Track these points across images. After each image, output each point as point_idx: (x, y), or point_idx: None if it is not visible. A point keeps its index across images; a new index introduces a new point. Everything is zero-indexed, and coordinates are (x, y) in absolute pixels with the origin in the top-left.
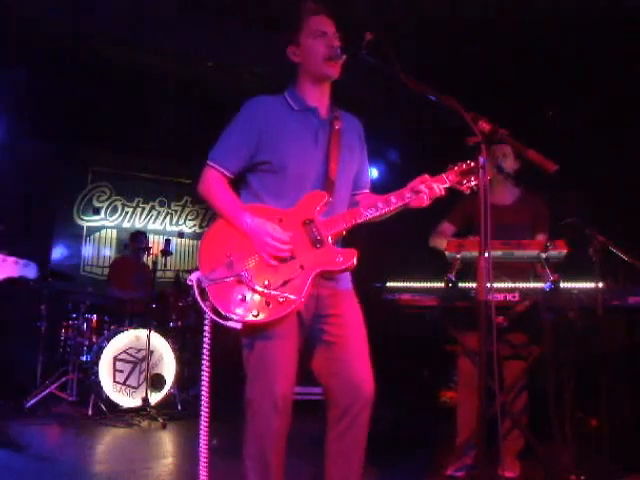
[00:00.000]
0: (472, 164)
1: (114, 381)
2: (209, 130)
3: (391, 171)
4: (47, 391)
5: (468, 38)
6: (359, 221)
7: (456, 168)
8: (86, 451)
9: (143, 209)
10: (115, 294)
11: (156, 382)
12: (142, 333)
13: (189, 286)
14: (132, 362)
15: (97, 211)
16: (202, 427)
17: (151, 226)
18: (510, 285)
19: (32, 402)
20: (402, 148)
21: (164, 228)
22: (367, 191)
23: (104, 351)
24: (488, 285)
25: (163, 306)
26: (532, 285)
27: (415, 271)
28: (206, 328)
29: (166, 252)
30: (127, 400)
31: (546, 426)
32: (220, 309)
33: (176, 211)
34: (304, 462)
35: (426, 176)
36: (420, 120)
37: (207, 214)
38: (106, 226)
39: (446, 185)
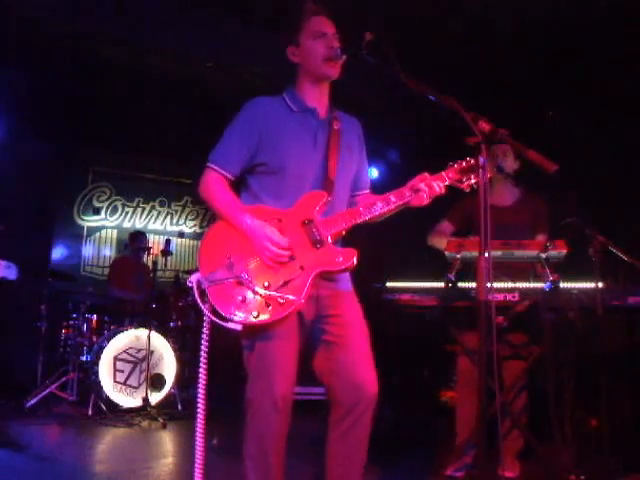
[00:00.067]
0: (472, 161)
1: (114, 381)
2: (209, 130)
3: (391, 171)
4: (47, 391)
5: (468, 38)
6: (359, 221)
7: (456, 166)
8: (86, 451)
9: (143, 209)
10: (115, 294)
11: (156, 382)
12: (142, 333)
13: (189, 287)
14: (132, 362)
15: (97, 211)
16: (198, 427)
17: (151, 226)
18: (510, 285)
19: (32, 402)
20: (402, 148)
21: (164, 228)
22: (367, 191)
23: (104, 351)
24: (488, 285)
25: (163, 306)
26: (532, 285)
27: (415, 271)
28: (205, 329)
29: (166, 252)
30: (127, 400)
31: (546, 426)
32: (220, 310)
33: (176, 211)
34: (304, 462)
35: (426, 174)
36: (420, 120)
37: (207, 214)
38: (106, 226)
39: (446, 183)
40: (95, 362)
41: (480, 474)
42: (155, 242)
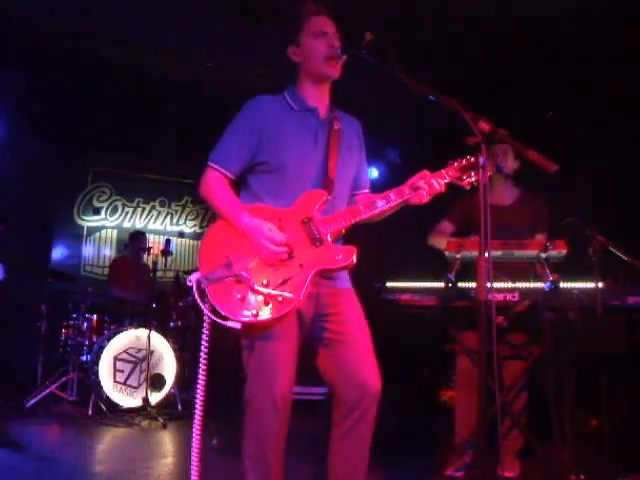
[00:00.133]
0: (472, 159)
1: (114, 381)
2: (209, 130)
3: (391, 171)
4: (47, 391)
5: (468, 38)
6: (358, 219)
7: (456, 164)
8: (86, 451)
9: (143, 209)
10: (116, 294)
11: (156, 382)
12: (142, 333)
13: (189, 287)
14: (132, 362)
15: (97, 211)
16: (195, 427)
17: (151, 226)
18: (510, 285)
19: (32, 402)
20: (402, 148)
21: (164, 228)
22: (367, 191)
23: (104, 351)
24: (488, 285)
25: (163, 306)
26: (532, 285)
27: (415, 271)
28: (205, 329)
29: (166, 252)
30: (127, 400)
31: (546, 426)
32: (219, 309)
33: (176, 211)
34: (304, 462)
35: (425, 172)
36: (420, 120)
37: (207, 214)
38: (106, 226)
39: (446, 181)
40: (95, 362)
41: (480, 474)
42: (155, 242)
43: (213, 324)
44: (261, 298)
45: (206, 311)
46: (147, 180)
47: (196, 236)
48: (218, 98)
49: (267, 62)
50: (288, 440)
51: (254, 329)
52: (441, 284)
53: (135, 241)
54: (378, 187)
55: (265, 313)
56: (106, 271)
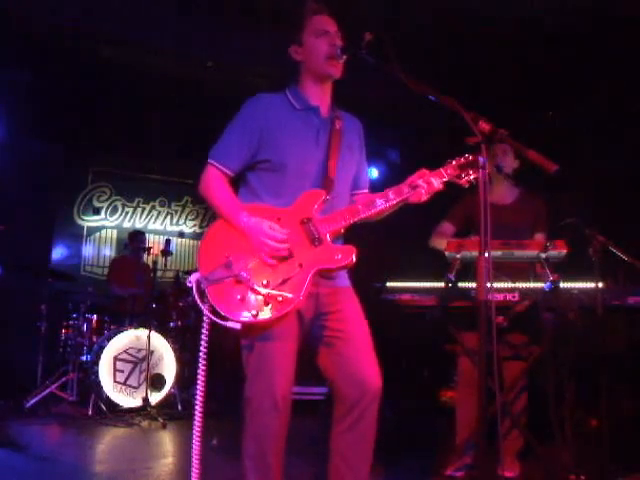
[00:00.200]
0: (470, 158)
1: (114, 381)
2: (209, 130)
3: (391, 171)
4: (47, 391)
5: (468, 38)
6: (357, 218)
7: (454, 162)
8: (86, 451)
9: (143, 209)
10: (115, 291)
11: (156, 382)
12: (142, 333)
13: (189, 287)
14: (132, 362)
15: (97, 211)
16: (196, 426)
17: (151, 226)
18: (510, 285)
19: (32, 402)
20: (402, 148)
21: (164, 228)
22: (366, 191)
23: (104, 351)
24: (488, 285)
25: (163, 306)
26: (532, 285)
27: (415, 271)
28: (204, 329)
29: (166, 252)
30: (127, 400)
31: (546, 426)
32: (219, 310)
33: (176, 211)
34: (304, 462)
35: (424, 171)
36: (420, 120)
37: (207, 214)
38: (106, 226)
39: (445, 179)
40: (95, 362)
41: (480, 474)
42: (155, 242)
43: (213, 324)
44: (261, 298)
45: (206, 311)
46: (147, 180)
47: (196, 236)
48: (218, 98)
49: (267, 62)
50: (288, 440)
51: (254, 329)
52: (441, 284)
53: (135, 241)
54: (378, 187)
55: (265, 313)
56: (106, 271)
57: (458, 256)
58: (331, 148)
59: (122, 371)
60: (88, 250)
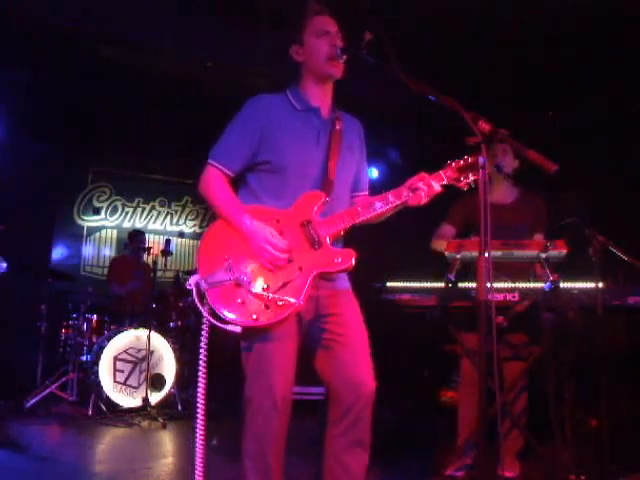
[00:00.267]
0: (470, 160)
1: (114, 381)
2: (209, 130)
3: (391, 171)
4: (47, 391)
5: (468, 38)
6: (357, 221)
7: (454, 165)
8: (86, 451)
9: (143, 209)
10: (115, 290)
11: (156, 382)
12: (142, 333)
13: (189, 290)
14: (132, 362)
15: (97, 211)
16: (198, 428)
17: (151, 226)
18: (510, 285)
19: (32, 402)
20: (402, 148)
21: (164, 228)
22: (366, 193)
23: (104, 351)
24: (488, 285)
25: (163, 306)
26: (532, 285)
27: (415, 271)
28: (204, 331)
29: (166, 252)
30: (127, 400)
31: (546, 426)
32: (219, 313)
33: (176, 211)
34: (304, 462)
35: (424, 174)
36: (420, 120)
37: (207, 214)
38: (106, 226)
39: (444, 182)
40: (95, 362)
41: (480, 474)
42: (155, 242)
43: (212, 327)
44: (261, 302)
45: (205, 314)
46: (147, 180)
47: (196, 236)
48: (218, 98)
49: (267, 62)
50: (288, 440)
51: (254, 332)
52: (441, 284)
53: (135, 240)
54: (378, 187)
55: (265, 317)
56: (106, 271)
57: (458, 256)
58: (331, 149)
59: (122, 371)
60: (88, 250)
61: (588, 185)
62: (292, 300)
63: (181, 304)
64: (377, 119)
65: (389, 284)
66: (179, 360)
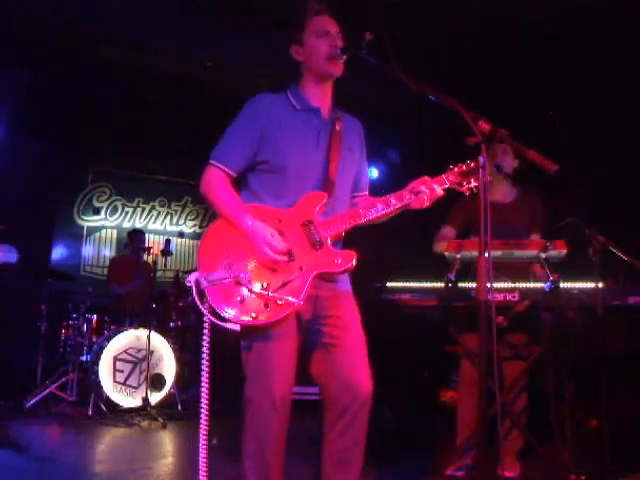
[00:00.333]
0: (472, 165)
1: (114, 381)
2: (209, 130)
3: (391, 171)
4: (47, 391)
5: (468, 38)
6: (358, 222)
7: (456, 169)
8: (86, 451)
9: (143, 209)
10: (115, 290)
11: (156, 382)
12: (142, 333)
13: (188, 287)
14: (132, 362)
15: (97, 211)
16: (202, 429)
17: (151, 226)
18: (510, 285)
19: (32, 402)
20: (402, 148)
21: (164, 228)
22: (366, 193)
23: (104, 351)
24: (488, 285)
25: (163, 306)
26: (532, 285)
27: (415, 271)
28: (205, 329)
29: (166, 252)
30: (127, 400)
31: (546, 426)
32: (218, 311)
33: (176, 211)
34: (304, 462)
35: (426, 177)
36: (420, 120)
37: (207, 214)
38: (106, 226)
39: (446, 186)
40: (95, 362)
41: (480, 474)
42: (155, 242)
43: (213, 324)
44: (260, 301)
45: (205, 312)
46: (147, 180)
47: (196, 236)
48: (218, 98)
49: (267, 62)
50: (288, 440)
51: (253, 331)
52: (441, 284)
53: (134, 240)
54: (378, 187)
55: (264, 316)
56: (106, 271)
57: (458, 256)
58: (331, 150)
59: (122, 371)
60: (88, 250)
61: (588, 185)
62: (292, 299)
63: (181, 304)
64: (377, 119)
65: (389, 284)
66: (179, 360)
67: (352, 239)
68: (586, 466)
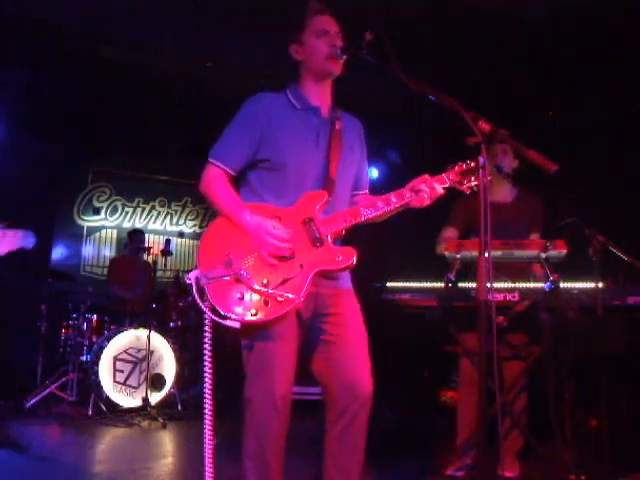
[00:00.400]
0: (472, 164)
1: (114, 381)
2: (209, 130)
3: (391, 171)
4: (47, 391)
5: (468, 38)
6: (359, 220)
7: (456, 168)
8: (86, 451)
9: (143, 209)
10: (116, 292)
11: (156, 382)
12: (142, 333)
13: (188, 285)
14: (132, 362)
15: (97, 211)
16: (206, 427)
17: (151, 226)
18: (510, 285)
19: (32, 402)
20: (402, 148)
21: (164, 228)
22: (366, 192)
23: (104, 351)
24: (488, 285)
25: (163, 306)
26: (532, 285)
27: (415, 271)
28: (206, 327)
29: (166, 252)
30: (127, 400)
31: (546, 426)
32: (218, 308)
33: (176, 211)
34: (304, 462)
35: (426, 176)
36: (420, 120)
37: (207, 214)
38: (106, 226)
39: (446, 185)
40: (95, 362)
41: (480, 474)
42: (155, 242)
43: (214, 323)
44: (261, 298)
45: (205, 309)
46: (147, 180)
47: (196, 236)
48: (218, 98)
49: (267, 62)
50: (288, 440)
51: (253, 329)
52: (441, 284)
53: (134, 240)
54: (378, 187)
55: (264, 313)
56: (106, 271)
57: (458, 256)
58: (331, 149)
59: (122, 371)
60: (88, 250)
61: (588, 185)
62: (292, 296)
63: (181, 304)
64: (377, 119)
65: (389, 284)
66: (179, 360)
67: (352, 239)
68: (586, 466)
